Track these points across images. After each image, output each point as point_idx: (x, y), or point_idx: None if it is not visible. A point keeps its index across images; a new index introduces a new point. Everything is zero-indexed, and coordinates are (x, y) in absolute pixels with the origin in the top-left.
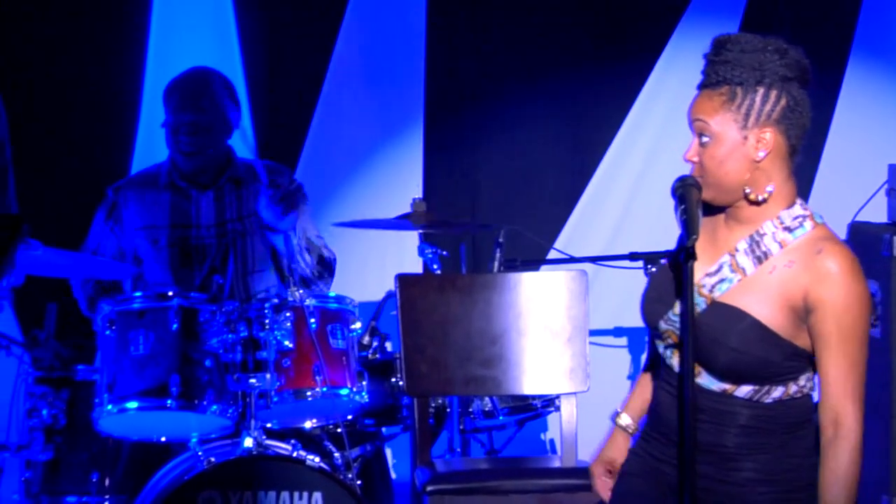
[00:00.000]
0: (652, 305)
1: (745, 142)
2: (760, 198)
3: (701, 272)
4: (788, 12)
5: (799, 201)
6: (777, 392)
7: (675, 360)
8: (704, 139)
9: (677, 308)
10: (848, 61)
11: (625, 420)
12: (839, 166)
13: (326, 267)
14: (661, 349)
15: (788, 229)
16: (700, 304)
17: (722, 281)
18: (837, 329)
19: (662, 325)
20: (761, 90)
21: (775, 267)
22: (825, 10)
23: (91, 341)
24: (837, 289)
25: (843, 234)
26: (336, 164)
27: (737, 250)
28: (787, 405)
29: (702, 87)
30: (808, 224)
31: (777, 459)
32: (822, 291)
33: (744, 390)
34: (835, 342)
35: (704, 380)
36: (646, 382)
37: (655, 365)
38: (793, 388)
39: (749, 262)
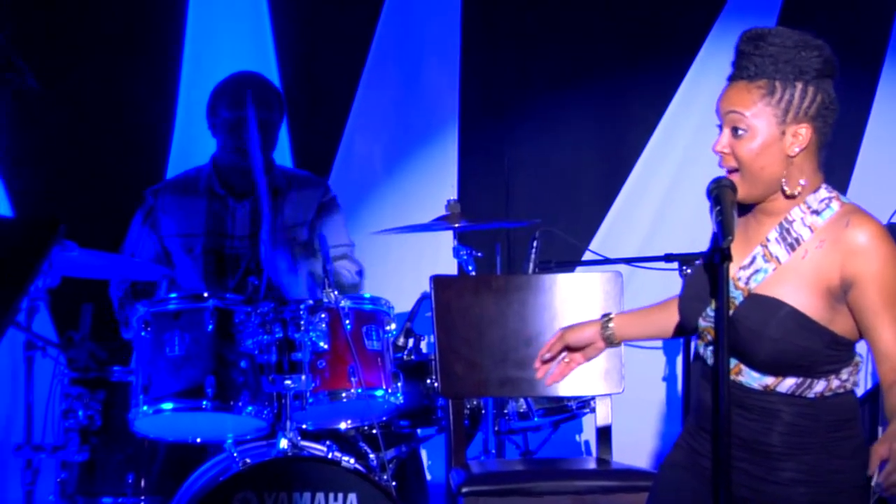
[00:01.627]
0: (690, 303)
1: (781, 137)
2: (796, 192)
3: (735, 266)
4: (824, 13)
5: (824, 185)
6: (819, 386)
7: (714, 357)
8: (740, 132)
9: (714, 304)
10: (884, 62)
11: (610, 329)
12: (875, 168)
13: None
14: (700, 348)
15: (816, 212)
16: (737, 297)
17: (757, 272)
18: (881, 296)
19: (702, 323)
20: (800, 86)
21: (807, 251)
22: (861, 9)
23: (126, 342)
24: (871, 258)
25: None
26: (370, 166)
27: (768, 240)
28: (830, 401)
29: (735, 78)
30: (835, 204)
31: (820, 460)
32: (857, 264)
33: (786, 384)
34: (882, 308)
35: (745, 377)
36: (656, 313)
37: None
38: (835, 382)
39: (782, 251)
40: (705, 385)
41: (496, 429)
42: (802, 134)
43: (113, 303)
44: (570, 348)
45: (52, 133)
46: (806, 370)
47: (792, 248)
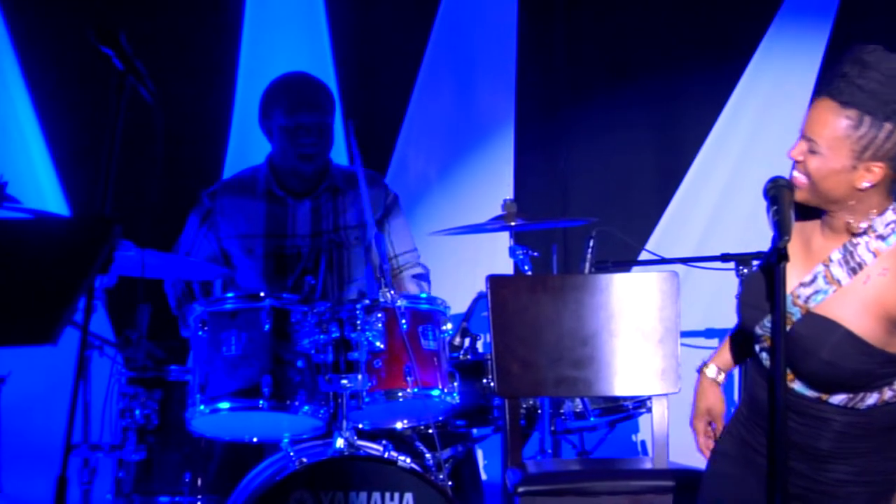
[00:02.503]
0: (749, 311)
1: (852, 170)
2: (864, 225)
3: (795, 281)
4: (882, 15)
5: (892, 206)
6: (871, 399)
7: (770, 364)
8: (815, 150)
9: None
10: None
11: (712, 371)
12: None
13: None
14: (757, 350)
15: (881, 237)
16: (795, 313)
17: (817, 292)
18: None
19: (758, 331)
20: (888, 127)
21: (869, 276)
22: None
23: (183, 341)
24: None
25: None
26: (427, 166)
27: (831, 261)
28: (882, 410)
29: (829, 94)
30: None
31: (872, 462)
32: None
33: (837, 398)
34: None
35: (798, 385)
36: (733, 345)
37: (746, 351)
38: (888, 393)
39: (843, 274)
40: (761, 383)
41: (552, 428)
42: (875, 172)
43: (170, 301)
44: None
45: (109, 132)
46: (857, 388)
47: (854, 272)
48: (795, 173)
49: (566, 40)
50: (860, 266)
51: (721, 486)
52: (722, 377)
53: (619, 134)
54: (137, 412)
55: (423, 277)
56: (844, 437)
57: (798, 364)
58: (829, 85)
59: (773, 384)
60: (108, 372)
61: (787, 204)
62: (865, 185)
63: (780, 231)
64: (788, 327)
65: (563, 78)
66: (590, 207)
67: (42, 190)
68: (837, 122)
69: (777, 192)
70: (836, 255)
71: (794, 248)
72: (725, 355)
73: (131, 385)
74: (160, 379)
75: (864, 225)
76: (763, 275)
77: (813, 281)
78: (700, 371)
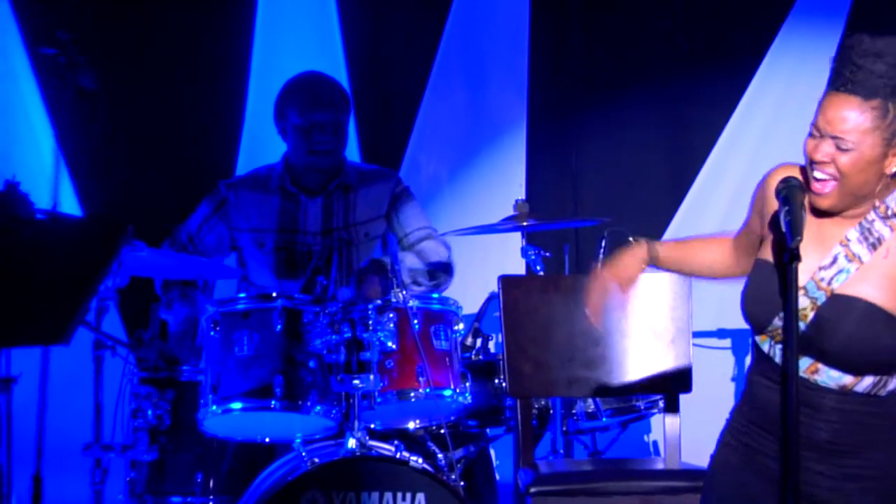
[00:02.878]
0: (761, 305)
1: (883, 158)
2: (889, 209)
3: (814, 266)
4: (895, 14)
5: None
6: (893, 384)
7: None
8: (846, 147)
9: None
10: None
11: (644, 249)
12: None
13: (440, 268)
14: (766, 347)
15: (895, 214)
16: (819, 297)
17: (840, 272)
18: None
19: (776, 323)
20: None
21: (889, 250)
22: None
23: (197, 342)
24: None
25: None
26: (439, 166)
27: (848, 240)
28: None
29: (849, 91)
30: None
31: (890, 456)
32: None
33: (865, 384)
34: None
35: (823, 376)
36: (688, 250)
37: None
38: None
39: (864, 250)
40: (770, 385)
41: (564, 429)
42: None
43: (156, 282)
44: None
45: (121, 132)
46: (885, 368)
47: (874, 247)
48: (820, 176)
49: (579, 41)
50: (879, 241)
51: (729, 496)
52: (647, 263)
53: (631, 134)
54: (150, 412)
55: (445, 246)
56: (864, 428)
57: (825, 344)
58: (844, 80)
59: (785, 378)
60: (120, 372)
61: (798, 204)
62: (894, 169)
63: (793, 231)
64: (813, 312)
65: (575, 78)
66: (602, 208)
67: (54, 190)
68: (864, 116)
69: (789, 193)
70: (854, 234)
71: (807, 234)
72: (674, 251)
73: (143, 385)
74: (172, 379)
75: (892, 209)
76: (773, 270)
77: (834, 262)
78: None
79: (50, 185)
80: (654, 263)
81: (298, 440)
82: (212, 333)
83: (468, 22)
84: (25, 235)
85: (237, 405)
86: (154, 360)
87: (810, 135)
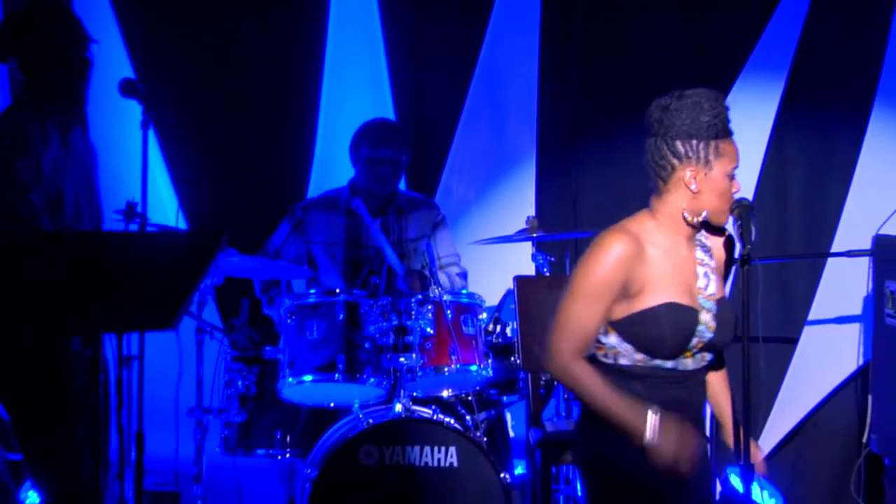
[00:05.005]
0: (682, 335)
1: None
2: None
3: (697, 290)
4: (828, 72)
5: None
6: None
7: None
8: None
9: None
10: (875, 98)
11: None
12: (866, 190)
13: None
14: (670, 364)
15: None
16: (713, 307)
17: (709, 282)
18: None
19: (694, 340)
20: None
21: (713, 247)
22: (849, 63)
23: (276, 328)
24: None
25: (868, 246)
26: (467, 188)
27: (700, 258)
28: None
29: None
30: None
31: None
32: None
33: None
34: None
35: (693, 362)
36: (624, 394)
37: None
38: None
39: (707, 257)
40: (669, 385)
41: (565, 396)
42: None
43: (255, 286)
44: None
45: (219, 164)
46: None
47: (709, 251)
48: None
49: (579, 85)
50: (706, 245)
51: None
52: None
53: (620, 162)
54: (240, 383)
55: (462, 276)
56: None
57: (724, 338)
58: (728, 128)
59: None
60: (216, 352)
61: (748, 219)
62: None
63: (745, 241)
64: (714, 322)
65: (575, 116)
66: (596, 222)
67: (164, 208)
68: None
69: (742, 210)
70: (700, 253)
71: (678, 270)
72: (636, 404)
73: (235, 362)
74: (258, 357)
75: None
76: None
77: (706, 277)
78: (657, 415)
79: (163, 205)
80: None
81: (356, 405)
82: (288, 321)
83: (490, 74)
84: (144, 245)
85: (308, 378)
86: (243, 342)
87: (733, 178)
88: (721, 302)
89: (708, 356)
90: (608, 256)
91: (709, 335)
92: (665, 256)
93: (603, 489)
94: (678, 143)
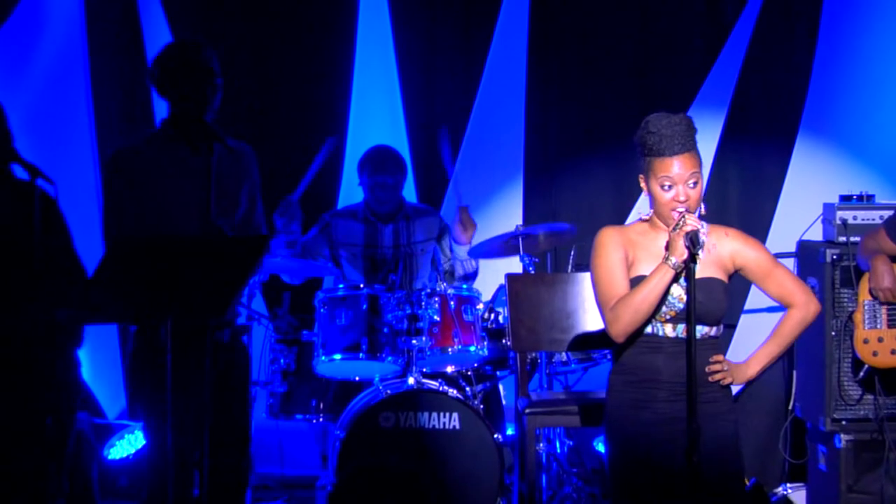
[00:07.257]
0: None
1: None
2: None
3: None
4: (762, 106)
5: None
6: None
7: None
8: (694, 184)
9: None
10: (799, 127)
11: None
12: (792, 203)
13: (469, 277)
14: (649, 328)
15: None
16: (682, 283)
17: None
18: None
19: (664, 309)
20: None
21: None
22: (778, 98)
23: (312, 316)
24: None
25: (793, 249)
26: (467, 202)
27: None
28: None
29: (689, 149)
30: None
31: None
32: None
33: (703, 331)
34: None
35: (679, 331)
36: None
37: None
38: None
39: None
40: (646, 350)
41: (547, 372)
42: None
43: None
44: None
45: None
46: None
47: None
48: (687, 210)
49: (559, 108)
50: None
51: (625, 425)
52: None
53: (591, 181)
54: (282, 361)
55: (474, 273)
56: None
57: (703, 312)
58: (677, 147)
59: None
60: (263, 335)
61: (696, 234)
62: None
63: (695, 244)
64: (686, 295)
65: (556, 140)
66: (573, 230)
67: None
68: (697, 160)
69: (684, 217)
70: (678, 241)
71: (657, 250)
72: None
73: (278, 344)
74: (297, 340)
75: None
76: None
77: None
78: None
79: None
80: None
81: (377, 379)
82: (321, 311)
83: (486, 108)
84: (204, 249)
85: (338, 356)
86: (285, 328)
87: (668, 189)
88: (703, 280)
89: (697, 329)
90: (600, 239)
91: (680, 305)
92: (648, 242)
93: (606, 438)
94: (639, 157)
